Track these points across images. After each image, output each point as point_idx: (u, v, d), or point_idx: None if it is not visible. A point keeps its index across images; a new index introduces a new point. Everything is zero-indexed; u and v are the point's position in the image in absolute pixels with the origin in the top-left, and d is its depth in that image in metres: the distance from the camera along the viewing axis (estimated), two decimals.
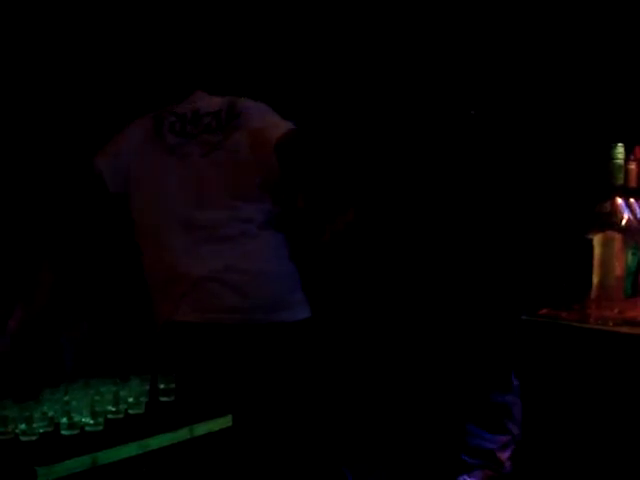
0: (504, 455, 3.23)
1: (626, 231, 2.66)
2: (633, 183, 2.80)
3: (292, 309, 2.84)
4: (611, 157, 2.68)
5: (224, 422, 2.53)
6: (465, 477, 3.30)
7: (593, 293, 2.67)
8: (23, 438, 2.22)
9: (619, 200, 2.68)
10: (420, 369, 3.56)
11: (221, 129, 2.85)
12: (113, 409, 2.44)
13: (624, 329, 2.59)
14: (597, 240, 2.66)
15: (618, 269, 2.67)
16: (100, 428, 2.33)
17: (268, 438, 2.74)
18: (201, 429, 2.47)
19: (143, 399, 2.52)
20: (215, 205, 2.80)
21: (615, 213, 2.66)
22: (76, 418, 2.32)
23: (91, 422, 2.33)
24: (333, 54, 3.81)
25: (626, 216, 2.67)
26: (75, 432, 2.29)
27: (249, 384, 2.75)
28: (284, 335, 2.79)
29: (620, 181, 2.70)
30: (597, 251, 2.66)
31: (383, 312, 3.72)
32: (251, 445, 2.64)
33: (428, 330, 3.46)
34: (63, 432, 2.29)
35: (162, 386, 2.61)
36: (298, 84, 3.33)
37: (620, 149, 2.70)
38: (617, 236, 2.65)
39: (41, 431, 2.27)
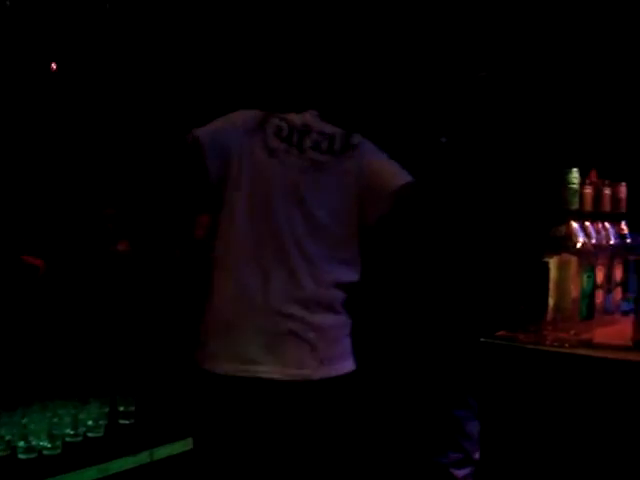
0: (459, 473, 3.26)
1: (581, 254, 2.69)
2: (588, 207, 2.83)
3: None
4: (566, 182, 2.72)
5: (184, 445, 2.53)
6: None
7: (549, 315, 2.69)
8: None
9: (574, 224, 2.71)
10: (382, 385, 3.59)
11: (332, 153, 2.71)
12: (72, 432, 2.44)
13: (580, 351, 2.62)
14: (553, 263, 2.69)
15: (574, 291, 2.70)
16: (58, 452, 2.34)
17: None
18: (162, 452, 2.47)
19: (102, 422, 2.54)
20: (319, 235, 2.63)
21: (570, 236, 2.69)
22: (34, 442, 2.32)
23: (49, 446, 2.34)
24: None
25: (581, 239, 2.70)
26: (33, 456, 2.30)
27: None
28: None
29: (575, 205, 2.73)
30: (553, 274, 2.69)
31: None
32: None
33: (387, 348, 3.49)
34: (20, 456, 2.29)
35: (122, 408, 2.62)
36: None
37: (575, 174, 2.73)
38: (573, 259, 2.68)
39: None
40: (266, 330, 2.51)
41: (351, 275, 2.66)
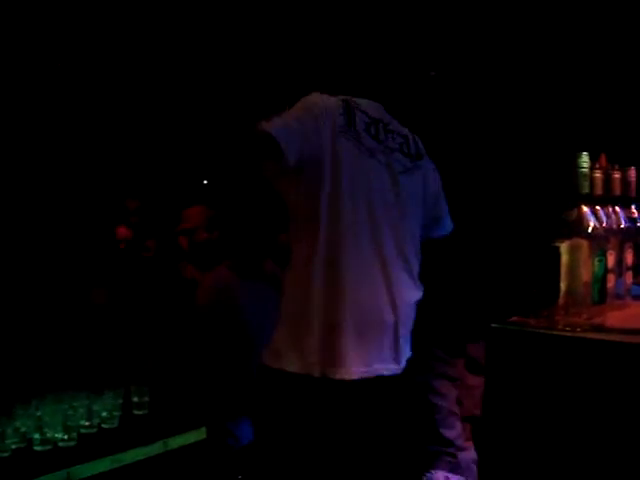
0: (450, 433, 3.25)
1: (592, 238, 2.69)
2: (599, 191, 2.82)
3: None
4: (577, 166, 2.71)
5: (198, 435, 2.54)
6: (430, 472, 3.33)
7: (561, 300, 2.69)
8: None
9: (585, 208, 2.70)
10: None
11: (410, 158, 2.63)
12: (86, 424, 2.46)
13: (592, 335, 2.62)
14: (564, 248, 2.68)
15: (585, 276, 2.70)
16: (73, 443, 2.36)
17: None
18: (175, 442, 2.48)
19: (117, 413, 2.54)
20: (410, 235, 2.56)
21: (581, 221, 2.69)
22: (49, 434, 2.34)
23: (64, 437, 2.35)
24: None
25: (592, 224, 2.70)
26: (48, 448, 2.32)
27: None
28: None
29: (586, 189, 2.72)
30: (564, 258, 2.69)
31: None
32: None
33: None
34: (36, 448, 2.31)
35: (136, 399, 2.63)
36: None
37: (585, 158, 2.72)
38: (584, 243, 2.68)
39: (14, 447, 2.28)
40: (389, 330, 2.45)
41: None
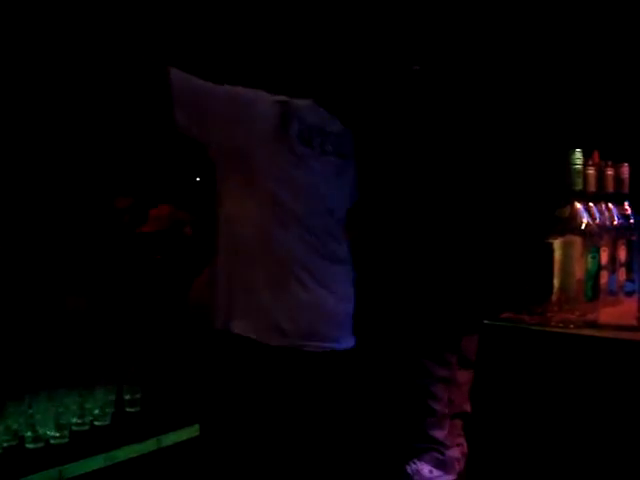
0: (440, 435, 3.29)
1: (586, 235, 2.69)
2: (592, 188, 2.82)
3: None
4: (570, 162, 2.71)
5: (191, 432, 2.53)
6: (415, 461, 3.36)
7: (554, 296, 2.69)
8: None
9: (578, 205, 2.71)
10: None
11: (345, 158, 2.83)
12: (78, 421, 2.44)
13: (585, 331, 2.62)
14: (557, 244, 2.68)
15: (578, 272, 2.70)
16: (65, 441, 2.34)
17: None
18: (169, 439, 2.47)
19: (109, 410, 2.53)
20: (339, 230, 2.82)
21: (575, 217, 2.69)
22: (41, 431, 2.32)
23: (56, 435, 2.33)
24: None
25: (585, 220, 2.70)
26: (40, 445, 2.30)
27: None
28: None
29: (579, 186, 2.72)
30: (557, 255, 2.68)
31: None
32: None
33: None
34: (28, 445, 2.29)
35: (128, 396, 2.61)
36: None
37: (578, 154, 2.72)
38: (577, 240, 2.68)
39: (5, 445, 2.26)
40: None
41: None
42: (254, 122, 2.61)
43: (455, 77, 3.34)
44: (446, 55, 3.48)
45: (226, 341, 2.62)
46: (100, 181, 4.42)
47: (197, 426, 2.56)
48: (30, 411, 2.49)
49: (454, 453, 3.30)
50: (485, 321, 2.81)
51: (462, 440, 3.39)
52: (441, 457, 3.29)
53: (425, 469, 3.30)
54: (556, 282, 2.70)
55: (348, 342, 2.77)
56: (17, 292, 3.49)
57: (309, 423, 2.71)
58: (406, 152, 3.28)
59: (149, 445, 2.44)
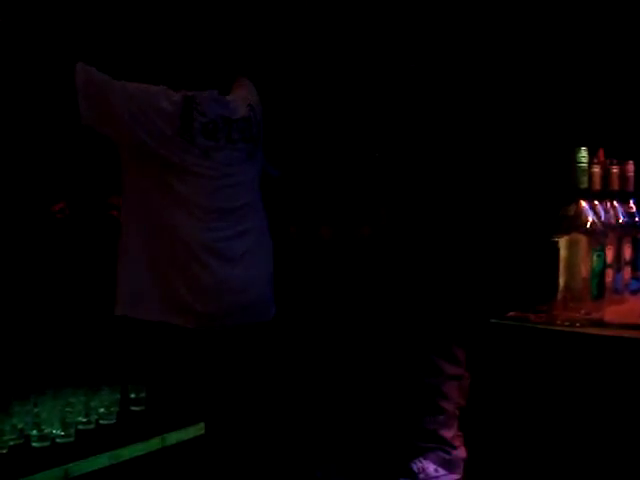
0: (448, 434, 3.30)
1: (591, 233, 2.68)
2: (597, 186, 2.81)
3: None
4: (575, 161, 2.70)
5: (196, 430, 2.53)
6: (420, 459, 3.37)
7: (560, 295, 2.69)
8: None
9: (583, 203, 2.70)
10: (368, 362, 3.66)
11: (253, 141, 3.03)
12: (84, 420, 2.44)
13: (591, 330, 2.61)
14: (562, 243, 2.67)
15: (584, 271, 2.69)
16: (71, 439, 2.34)
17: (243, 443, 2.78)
18: (173, 438, 2.47)
19: (114, 409, 2.53)
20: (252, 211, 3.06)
21: (580, 216, 2.68)
22: (46, 430, 2.32)
23: (62, 433, 2.33)
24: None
25: (590, 219, 2.69)
26: (46, 444, 2.31)
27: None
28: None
29: (584, 184, 2.72)
30: (563, 253, 2.68)
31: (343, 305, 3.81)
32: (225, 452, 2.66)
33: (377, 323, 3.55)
34: (34, 444, 2.29)
35: (133, 395, 2.61)
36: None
37: (584, 153, 2.72)
38: (582, 238, 2.67)
39: (11, 444, 2.27)
40: None
41: None
42: (155, 120, 2.75)
43: (458, 75, 3.34)
44: (448, 54, 3.48)
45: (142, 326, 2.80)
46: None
47: (202, 424, 2.56)
48: (36, 410, 2.49)
49: (461, 453, 3.30)
50: (491, 320, 2.80)
51: (461, 441, 3.39)
52: (447, 456, 3.30)
53: (430, 467, 3.31)
54: (561, 281, 2.69)
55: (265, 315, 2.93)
56: (21, 290, 3.49)
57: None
58: (409, 152, 3.28)
59: (154, 444, 2.44)
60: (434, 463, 3.36)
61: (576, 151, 2.72)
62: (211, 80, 3.01)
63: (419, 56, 3.60)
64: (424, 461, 3.37)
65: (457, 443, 3.41)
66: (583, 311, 2.66)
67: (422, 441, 3.37)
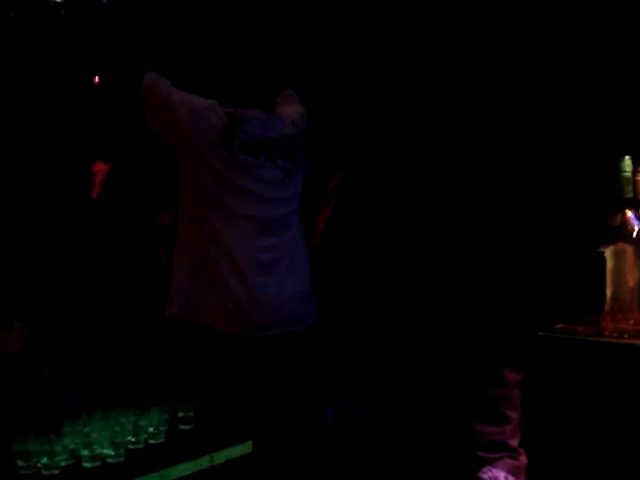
0: (515, 442, 3.29)
1: (637, 243, 2.65)
2: None
3: None
4: (619, 170, 2.68)
5: (244, 448, 2.54)
6: (489, 468, 3.35)
7: (607, 306, 2.66)
8: (45, 472, 2.27)
9: (629, 212, 2.67)
10: (425, 373, 3.65)
11: (295, 158, 3.10)
12: (133, 439, 2.47)
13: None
14: (609, 253, 2.65)
15: (631, 281, 2.66)
16: (121, 459, 2.37)
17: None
18: (222, 456, 2.48)
19: (163, 428, 2.55)
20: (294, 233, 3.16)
21: (626, 225, 2.65)
22: (97, 450, 2.35)
23: (112, 453, 2.36)
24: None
25: (637, 228, 2.66)
26: (97, 464, 2.33)
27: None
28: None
29: (629, 193, 2.69)
30: (609, 264, 2.65)
31: (388, 315, 3.82)
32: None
33: (432, 333, 3.55)
34: (85, 464, 2.32)
35: (181, 414, 2.63)
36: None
37: (628, 161, 2.69)
38: (629, 248, 2.64)
39: (63, 464, 2.30)
40: None
41: None
42: (205, 130, 2.89)
43: (501, 86, 3.32)
44: (492, 64, 3.46)
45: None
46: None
47: (250, 443, 2.57)
48: (86, 430, 2.52)
49: (524, 459, 3.29)
50: (539, 332, 2.78)
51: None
52: (516, 463, 3.29)
53: (501, 475, 3.30)
54: (608, 291, 2.66)
55: (305, 323, 2.99)
56: (68, 308, 3.55)
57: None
58: (454, 163, 3.28)
59: (202, 462, 2.46)
60: (504, 471, 3.35)
61: (620, 160, 2.69)
62: (255, 96, 3.08)
63: (463, 67, 3.60)
64: (494, 470, 3.36)
65: (521, 449, 3.39)
66: (631, 322, 2.62)
67: (490, 452, 3.35)
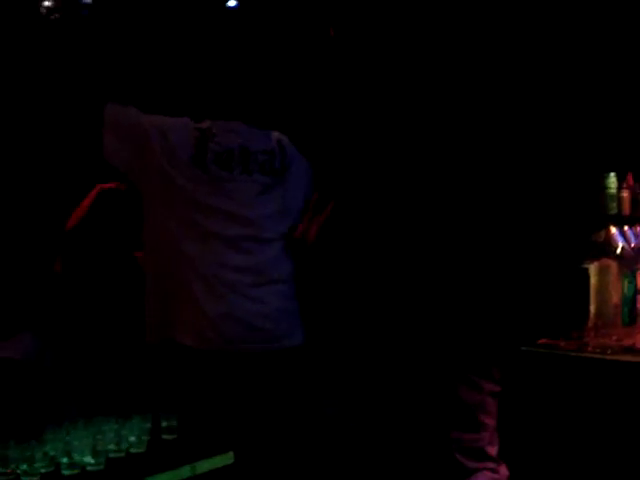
0: (493, 451, 3.29)
1: (621, 259, 2.67)
2: (627, 211, 2.81)
3: None
4: (604, 186, 2.70)
5: (226, 459, 2.53)
6: None
7: (591, 321, 2.68)
8: (24, 478, 2.23)
9: (613, 229, 2.69)
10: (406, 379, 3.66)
11: (273, 174, 3.00)
12: (115, 448, 2.45)
13: (623, 357, 2.59)
14: (593, 269, 2.66)
15: (615, 297, 2.68)
16: (101, 467, 2.34)
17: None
18: (203, 466, 2.47)
19: (145, 437, 2.54)
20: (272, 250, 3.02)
21: (610, 242, 2.67)
22: (77, 458, 2.34)
23: (92, 461, 2.35)
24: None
25: (621, 244, 2.68)
26: (76, 472, 2.31)
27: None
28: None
29: (613, 210, 2.71)
30: (593, 280, 2.66)
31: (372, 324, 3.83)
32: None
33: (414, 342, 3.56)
34: (64, 472, 2.30)
35: (164, 424, 2.62)
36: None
37: (612, 178, 2.71)
38: (613, 264, 2.66)
39: (42, 471, 2.28)
40: None
41: None
42: (174, 150, 2.85)
43: (488, 103, 3.34)
44: (473, 77, 3.49)
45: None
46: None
47: (231, 453, 2.56)
48: (68, 437, 2.51)
49: (505, 471, 3.28)
50: (522, 347, 2.79)
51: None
52: (496, 475, 3.28)
53: None
54: (592, 307, 2.68)
55: (284, 342, 2.92)
56: (52, 314, 3.54)
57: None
58: (439, 176, 3.29)
59: (183, 472, 2.44)
60: None
61: (605, 177, 2.72)
62: (240, 107, 3.06)
63: (445, 77, 3.62)
64: None
65: (501, 461, 3.39)
66: (615, 338, 2.64)
67: (469, 460, 3.34)
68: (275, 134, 3.10)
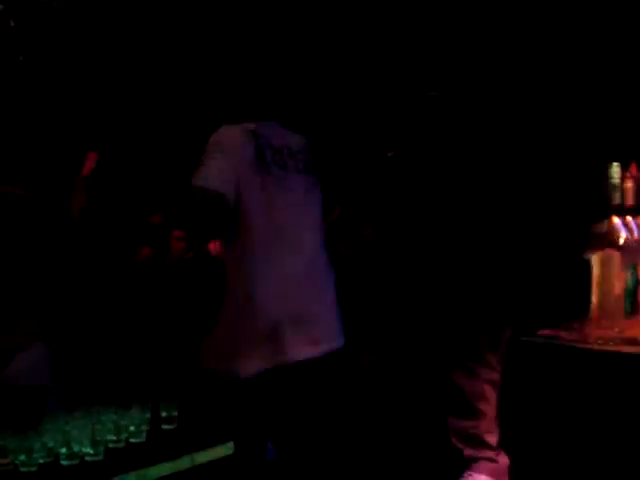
0: (492, 439, 3.27)
1: (624, 250, 2.65)
2: (630, 201, 2.78)
3: None
4: (607, 176, 2.68)
5: (226, 449, 2.52)
6: (470, 473, 3.34)
7: (592, 312, 2.66)
8: (22, 469, 2.24)
9: (616, 219, 2.67)
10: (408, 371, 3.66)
11: (310, 173, 2.95)
12: (114, 438, 2.44)
13: (625, 348, 2.57)
14: (595, 260, 2.65)
15: (617, 288, 2.66)
16: (100, 458, 2.34)
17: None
18: (203, 457, 2.46)
19: (144, 427, 2.53)
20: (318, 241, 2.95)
21: (612, 232, 2.65)
22: (76, 448, 2.33)
23: (91, 452, 2.33)
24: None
25: (623, 235, 2.66)
26: (75, 462, 2.30)
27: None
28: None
29: (617, 200, 2.69)
30: (595, 270, 2.65)
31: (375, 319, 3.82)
32: None
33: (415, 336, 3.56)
34: (63, 462, 2.29)
35: (164, 414, 2.61)
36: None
37: (616, 168, 2.69)
38: (615, 255, 2.64)
39: (41, 461, 2.28)
40: None
41: None
42: (243, 163, 2.72)
43: (490, 95, 3.32)
44: (475, 75, 3.47)
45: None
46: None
47: (231, 444, 2.55)
48: (67, 428, 2.50)
49: (505, 460, 3.28)
50: (522, 337, 2.78)
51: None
52: (495, 465, 3.28)
53: (482, 479, 3.29)
54: (594, 298, 2.66)
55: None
56: (54, 309, 3.54)
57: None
58: (442, 170, 3.28)
59: (183, 463, 2.43)
60: (484, 474, 3.34)
61: (608, 167, 2.70)
62: (271, 108, 2.99)
63: (448, 68, 3.61)
64: (474, 474, 3.34)
65: (500, 449, 3.38)
66: (616, 329, 2.62)
67: (466, 446, 3.34)
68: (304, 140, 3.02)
